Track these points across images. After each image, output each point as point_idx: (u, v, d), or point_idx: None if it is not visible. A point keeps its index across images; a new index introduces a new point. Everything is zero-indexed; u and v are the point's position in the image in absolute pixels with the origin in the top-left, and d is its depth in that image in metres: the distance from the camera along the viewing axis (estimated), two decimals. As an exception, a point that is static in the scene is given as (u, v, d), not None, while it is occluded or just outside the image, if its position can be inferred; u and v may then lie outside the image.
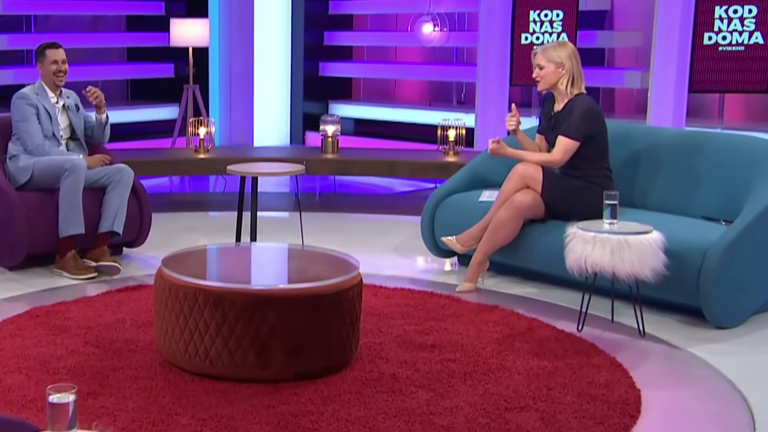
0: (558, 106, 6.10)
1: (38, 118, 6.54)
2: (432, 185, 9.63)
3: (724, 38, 8.97)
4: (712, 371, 4.75)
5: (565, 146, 5.95)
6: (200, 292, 4.39)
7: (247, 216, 6.77)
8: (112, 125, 12.16)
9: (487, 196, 6.42)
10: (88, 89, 6.65)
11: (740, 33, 8.89)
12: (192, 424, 3.88)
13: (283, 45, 13.26)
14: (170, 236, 7.50)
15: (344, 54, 13.75)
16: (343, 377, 4.48)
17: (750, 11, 8.79)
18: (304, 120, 13.29)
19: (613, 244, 5.08)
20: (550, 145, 6.13)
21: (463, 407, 4.15)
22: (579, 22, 10.05)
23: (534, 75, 6.11)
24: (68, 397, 2.50)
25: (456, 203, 6.59)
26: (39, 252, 6.35)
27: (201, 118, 9.26)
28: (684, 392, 4.49)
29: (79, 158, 6.41)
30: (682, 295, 5.43)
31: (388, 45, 13.57)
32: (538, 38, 10.10)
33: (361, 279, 4.72)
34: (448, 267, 6.76)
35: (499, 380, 4.49)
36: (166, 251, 6.82)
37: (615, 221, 5.22)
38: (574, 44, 9.79)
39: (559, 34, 10.04)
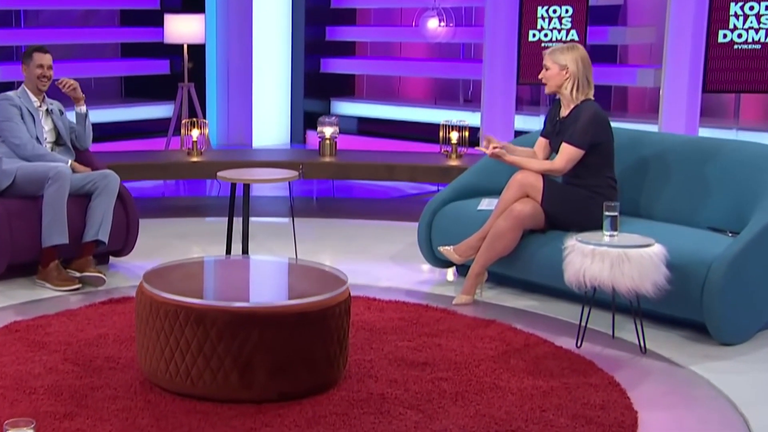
0: (564, 111, 6.12)
1: (22, 120, 6.58)
2: (435, 188, 9.66)
3: (739, 36, 8.98)
4: (713, 391, 4.77)
5: (568, 154, 5.97)
6: (181, 309, 4.42)
7: (240, 223, 6.81)
8: (106, 124, 12.35)
9: (486, 204, 6.44)
10: (59, 81, 6.69)
11: (756, 30, 8.90)
12: (169, 448, 3.92)
13: (283, 41, 13.29)
14: (160, 243, 7.54)
15: (347, 50, 13.78)
16: (329, 397, 4.51)
17: (767, 8, 8.79)
18: (305, 119, 13.33)
19: (613, 257, 5.10)
20: (554, 150, 6.15)
21: (452, 430, 4.17)
22: (590, 18, 10.06)
23: (540, 75, 6.14)
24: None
25: (454, 211, 6.61)
26: (21, 262, 6.39)
27: (194, 119, 9.28)
28: (682, 414, 4.52)
29: (64, 165, 6.44)
30: (685, 310, 5.45)
31: (393, 41, 13.60)
32: (546, 35, 10.12)
33: (350, 295, 4.74)
34: (450, 277, 6.79)
35: (492, 401, 4.52)
36: (155, 260, 6.92)
37: (615, 233, 5.24)
38: (584, 41, 9.87)
39: (568, 31, 10.06)
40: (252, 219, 7.75)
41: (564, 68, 5.99)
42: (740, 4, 8.92)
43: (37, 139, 6.64)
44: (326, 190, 10.11)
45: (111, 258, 6.93)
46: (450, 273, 6.84)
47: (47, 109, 6.79)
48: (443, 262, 6.64)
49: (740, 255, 5.32)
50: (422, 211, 6.74)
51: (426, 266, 6.89)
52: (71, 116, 6.93)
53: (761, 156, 5.97)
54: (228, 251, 6.87)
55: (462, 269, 6.56)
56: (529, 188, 6.01)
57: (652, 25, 11.18)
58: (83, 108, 6.83)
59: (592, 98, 6.05)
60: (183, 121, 9.17)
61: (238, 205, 6.87)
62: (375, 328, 5.55)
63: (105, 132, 12.14)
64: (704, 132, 9.76)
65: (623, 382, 4.79)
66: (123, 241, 6.78)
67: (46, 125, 6.75)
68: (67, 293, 6.20)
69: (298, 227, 7.40)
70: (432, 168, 8.68)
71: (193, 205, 9.44)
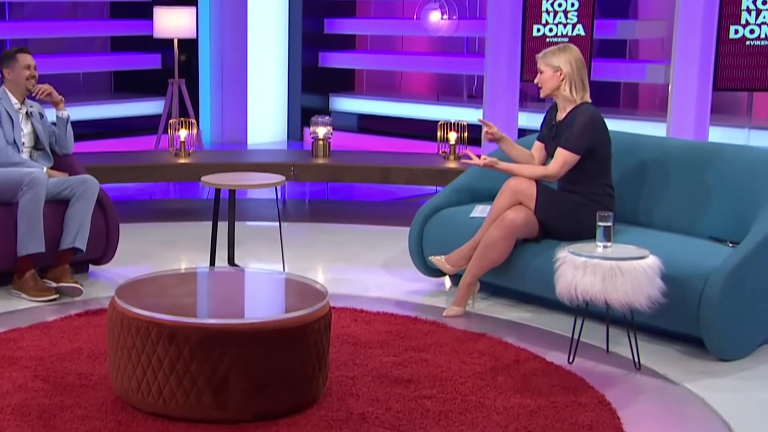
0: (560, 115, 6.16)
1: (-1, 124, 6.63)
2: (434, 189, 9.68)
3: (751, 32, 9.00)
4: (707, 411, 4.79)
5: (563, 159, 6.00)
6: (153, 325, 4.46)
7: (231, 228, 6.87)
8: (95, 121, 12.38)
9: (480, 211, 6.47)
10: (34, 88, 6.73)
11: (769, 26, 8.92)
12: (137, 472, 3.96)
13: (280, 33, 13.34)
14: (144, 250, 7.59)
15: (346, 43, 13.82)
16: (307, 417, 4.54)
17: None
18: (303, 115, 13.37)
19: (605, 270, 5.12)
20: (550, 155, 6.18)
21: (432, 453, 4.21)
22: (598, 11, 10.08)
23: (535, 80, 6.19)
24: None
25: (446, 219, 6.65)
26: (-5, 271, 6.44)
27: (182, 119, 9.32)
28: (673, 435, 4.55)
29: (39, 171, 6.48)
30: (682, 324, 5.48)
31: (394, 34, 13.63)
32: (551, 30, 10.15)
33: (330, 309, 4.77)
34: (448, 284, 6.82)
35: (476, 421, 4.55)
36: (137, 268, 7.00)
37: (609, 244, 5.26)
38: (591, 36, 9.89)
39: (574, 26, 10.08)
40: (241, 223, 7.84)
41: (557, 70, 6.03)
42: (753, -3, 8.94)
43: (14, 142, 6.66)
44: (320, 192, 10.15)
45: (91, 266, 6.96)
46: (447, 281, 6.86)
47: (27, 112, 6.82)
48: (435, 272, 6.67)
49: (739, 267, 5.34)
50: (413, 218, 6.76)
51: (419, 274, 6.91)
52: (50, 114, 6.93)
53: (763, 162, 5.98)
54: (212, 261, 6.90)
55: (456, 278, 6.59)
56: (521, 195, 6.04)
57: (664, 18, 11.19)
58: (65, 113, 6.87)
59: (589, 101, 6.07)
60: (170, 121, 9.19)
61: (226, 209, 6.92)
62: (360, 342, 5.58)
63: (94, 129, 12.21)
64: (715, 131, 9.78)
65: (614, 400, 4.82)
66: (103, 248, 6.81)
67: (25, 128, 6.79)
68: (44, 304, 6.24)
69: (289, 231, 7.45)
70: (429, 170, 8.70)
71: (182, 209, 9.47)
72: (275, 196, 9.28)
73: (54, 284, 6.37)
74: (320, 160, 8.97)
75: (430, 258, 6.41)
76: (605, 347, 5.54)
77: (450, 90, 13.24)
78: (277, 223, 8.19)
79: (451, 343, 5.59)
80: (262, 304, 5.03)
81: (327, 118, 9.20)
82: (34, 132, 6.83)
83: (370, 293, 6.62)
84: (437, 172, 8.63)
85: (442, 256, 6.31)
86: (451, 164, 8.76)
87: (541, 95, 6.15)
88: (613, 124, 10.95)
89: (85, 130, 12.16)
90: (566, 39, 9.94)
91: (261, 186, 6.89)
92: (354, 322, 5.94)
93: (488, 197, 6.65)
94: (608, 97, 11.66)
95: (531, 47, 10.11)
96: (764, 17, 8.96)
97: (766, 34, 8.96)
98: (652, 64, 11.04)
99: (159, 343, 4.44)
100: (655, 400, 4.92)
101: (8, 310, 6.14)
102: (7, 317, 5.98)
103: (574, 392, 4.92)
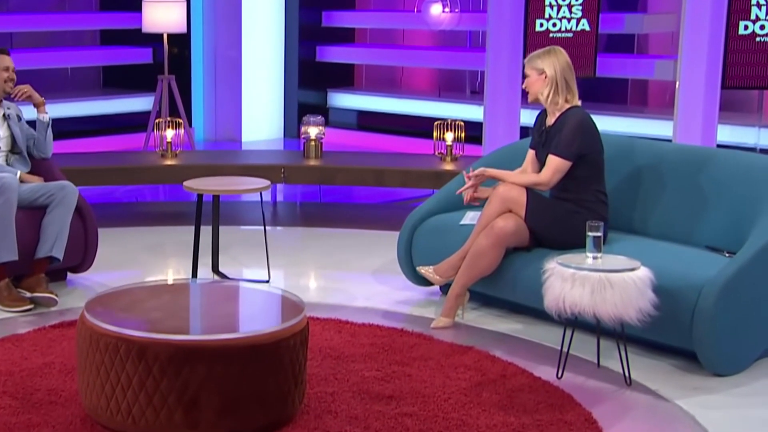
0: (550, 120, 6.20)
1: (-27, 127, 6.68)
2: (431, 191, 9.70)
3: (762, 27, 9.01)
4: (698, 430, 4.82)
5: (554, 166, 6.04)
6: (122, 342, 4.50)
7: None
8: (83, 118, 12.43)
9: (470, 218, 6.50)
10: (13, 90, 6.76)
11: (781, 22, 8.93)
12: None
13: (276, 26, 13.38)
14: (126, 257, 7.64)
15: (345, 37, 13.85)
16: (282, 436, 4.59)
17: (793, -3, 8.82)
18: (300, 111, 13.41)
19: (594, 282, 5.15)
20: (541, 162, 6.21)
21: (407, 474, 4.25)
22: (605, 5, 10.11)
23: (523, 86, 6.23)
24: None
25: (436, 226, 6.68)
26: (-33, 280, 6.48)
27: (169, 118, 9.36)
28: (660, 456, 4.58)
29: (11, 176, 6.52)
30: (675, 337, 5.51)
31: (395, 27, 13.65)
32: (554, 24, 10.15)
33: (307, 324, 4.81)
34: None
35: (456, 440, 4.59)
36: (117, 275, 7.07)
37: (599, 255, 5.28)
38: (596, 31, 9.90)
39: (578, 20, 10.09)
40: (228, 227, 7.88)
41: (542, 73, 6.07)
42: (763, -8, 8.94)
43: (-10, 146, 6.72)
44: (312, 194, 10.18)
45: (69, 273, 7.01)
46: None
47: (4, 114, 6.86)
48: (425, 281, 6.68)
49: (734, 278, 5.36)
50: (402, 226, 6.80)
51: (409, 283, 6.93)
52: (29, 111, 6.96)
53: (762, 168, 6.00)
54: (194, 269, 6.94)
55: (446, 288, 6.62)
56: (511, 203, 6.07)
57: (673, 11, 11.20)
58: (46, 116, 6.90)
59: (578, 104, 6.10)
60: (156, 121, 9.23)
61: (211, 214, 6.98)
62: (343, 355, 5.62)
63: (82, 127, 12.27)
64: (723, 130, 9.79)
65: (601, 418, 4.85)
66: (81, 256, 6.86)
67: (2, 131, 6.82)
68: (17, 315, 6.28)
69: (279, 236, 7.49)
70: (424, 173, 8.73)
71: (169, 212, 9.50)
72: (272, 195, 9.36)
73: (28, 294, 6.42)
74: (312, 162, 9.01)
75: (417, 269, 6.44)
76: (596, 361, 5.56)
77: (452, 86, 13.27)
78: (267, 228, 8.23)
79: (436, 357, 5.63)
80: (236, 318, 5.06)
81: (319, 117, 9.23)
82: (11, 135, 6.85)
83: (357, 303, 6.66)
84: (433, 175, 8.66)
85: (431, 267, 6.34)
86: (448, 166, 8.79)
87: (528, 100, 6.20)
88: (621, 123, 11.13)
89: (74, 127, 12.24)
90: (570, 34, 9.97)
91: (244, 191, 6.94)
92: (338, 333, 5.98)
93: (480, 204, 6.65)
94: (615, 94, 11.70)
95: (534, 43, 10.11)
96: (775, 12, 8.96)
97: (777, 30, 8.97)
98: (661, 60, 11.06)
99: (128, 360, 4.48)
100: (644, 418, 4.95)
101: (-19, 321, 6.19)
102: (-21, 329, 6.03)
103: (560, 409, 4.95)
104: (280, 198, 9.86)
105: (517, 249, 6.17)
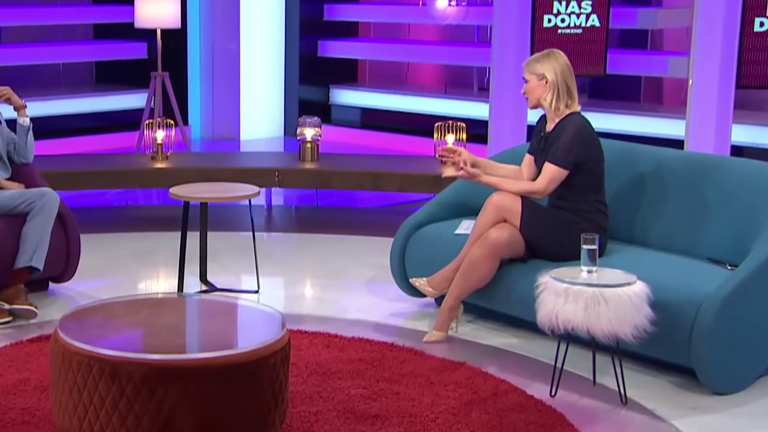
0: (549, 126, 6.23)
1: (-47, 133, 6.72)
2: (432, 195, 9.72)
3: (779, 24, 9.00)
4: (694, 453, 4.86)
5: (551, 174, 6.06)
6: (95, 361, 4.53)
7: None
8: (75, 116, 12.48)
9: (465, 227, 6.53)
10: None
11: (799, 19, 8.91)
12: None
13: (275, 20, 13.41)
14: (112, 264, 7.70)
15: (348, 31, 13.88)
16: (260, 459, 4.62)
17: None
18: (301, 108, 13.46)
19: (588, 297, 5.17)
20: (539, 169, 6.23)
21: (387, 500, 4.28)
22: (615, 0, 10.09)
23: (522, 91, 6.26)
24: None
25: (430, 235, 6.71)
26: (-55, 292, 6.54)
27: (159, 119, 9.40)
28: (652, 480, 4.61)
29: (-13, 184, 6.58)
30: (673, 354, 5.54)
31: (400, 21, 13.67)
32: (563, 20, 10.15)
33: (288, 342, 4.84)
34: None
35: (440, 463, 4.62)
36: (101, 284, 7.12)
37: (594, 268, 5.31)
38: (606, 26, 9.91)
39: (588, 16, 10.09)
40: (219, 233, 7.93)
41: (542, 78, 6.09)
42: (780, -14, 8.93)
43: (-31, 152, 6.77)
44: (309, 197, 10.22)
45: (51, 283, 7.05)
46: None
47: (-18, 119, 6.91)
48: (419, 292, 6.70)
49: (734, 293, 5.38)
50: (395, 235, 6.83)
51: (403, 293, 6.96)
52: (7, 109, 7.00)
53: (766, 177, 6.02)
54: (180, 282, 6.97)
55: (441, 300, 6.64)
56: (506, 212, 6.10)
57: (689, 6, 11.18)
58: (26, 119, 6.94)
59: (578, 110, 6.13)
60: (146, 122, 9.27)
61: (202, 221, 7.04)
62: (330, 371, 5.66)
63: (74, 125, 12.32)
64: (738, 130, 9.79)
65: (593, 440, 4.89)
66: (62, 266, 6.90)
67: (-18, 138, 6.88)
68: (-5, 327, 6.35)
69: (272, 242, 7.53)
70: (423, 177, 8.73)
71: (160, 216, 9.54)
72: (266, 198, 9.39)
73: (7, 306, 6.46)
74: (308, 165, 9.03)
75: (410, 280, 6.48)
76: (592, 377, 5.59)
77: (459, 82, 13.29)
78: (259, 234, 8.27)
79: (426, 374, 5.66)
80: (213, 336, 5.09)
81: (315, 118, 9.25)
82: (-8, 140, 6.91)
83: (348, 315, 6.70)
84: (432, 179, 8.66)
85: (424, 279, 6.38)
86: (448, 170, 8.77)
87: (528, 106, 6.22)
88: (633, 122, 11.15)
89: (66, 125, 12.30)
90: (579, 31, 9.97)
91: (232, 199, 6.98)
92: (326, 348, 6.01)
93: (477, 212, 6.67)
94: (628, 92, 11.71)
95: (541, 39, 10.12)
96: (792, 9, 8.95)
97: (794, 27, 8.96)
98: (675, 57, 11.06)
99: (101, 380, 4.51)
100: (638, 440, 4.98)
101: (-43, 334, 6.24)
102: (-45, 343, 6.08)
103: (551, 430, 4.98)
104: (276, 201, 9.88)
105: (513, 260, 6.19)
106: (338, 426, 4.98)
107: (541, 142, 6.24)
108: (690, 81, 9.74)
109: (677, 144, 9.66)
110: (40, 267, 6.59)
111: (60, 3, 13.19)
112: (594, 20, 10.04)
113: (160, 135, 9.13)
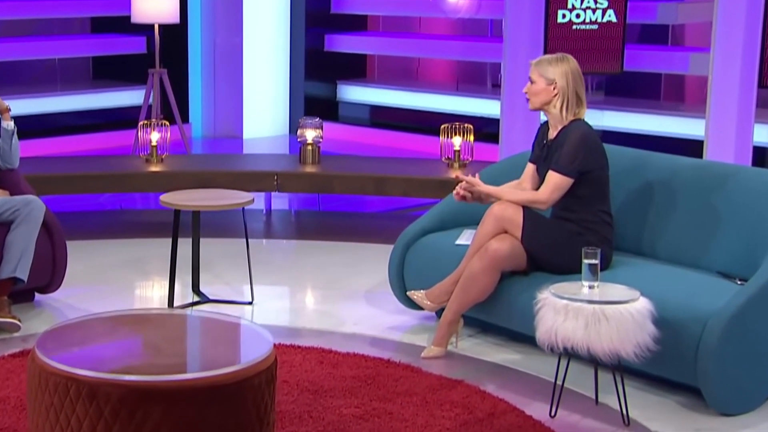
0: (552, 133, 6.25)
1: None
2: (438, 200, 9.75)
3: (804, 20, 8.98)
4: (698, 478, 4.88)
5: (554, 184, 6.08)
6: (72, 381, 4.56)
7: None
8: (72, 113, 12.53)
9: (467, 237, 6.56)
10: None
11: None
12: None
13: (280, 13, 13.43)
14: (102, 273, 7.76)
15: (356, 24, 13.87)
16: (243, 484, 4.66)
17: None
18: (306, 105, 13.48)
19: (588, 315, 5.19)
20: (542, 178, 6.26)
21: None
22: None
23: (524, 90, 6.27)
24: None
25: (430, 246, 6.74)
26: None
27: (153, 120, 9.44)
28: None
29: (-32, 192, 6.63)
30: (678, 373, 5.56)
31: (411, 15, 13.67)
32: (578, 15, 10.16)
33: (275, 361, 4.87)
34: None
35: (431, 488, 4.66)
36: (90, 295, 7.17)
37: (596, 284, 5.33)
38: (623, 21, 9.91)
39: (604, 11, 10.09)
40: (214, 240, 7.98)
41: (551, 83, 6.11)
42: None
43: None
44: (311, 200, 10.25)
45: (37, 294, 7.10)
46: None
47: (-35, 125, 6.96)
48: (418, 305, 6.75)
49: (742, 310, 5.39)
50: (393, 246, 6.86)
51: (402, 306, 6.99)
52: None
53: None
54: (171, 291, 7.02)
55: (441, 313, 6.66)
56: (506, 223, 6.12)
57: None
58: (10, 123, 6.98)
59: (583, 118, 6.14)
60: (140, 123, 9.31)
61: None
62: (322, 389, 5.69)
63: (70, 122, 12.38)
64: (761, 130, 9.77)
65: (592, 464, 4.92)
66: (49, 276, 6.95)
67: (-35, 144, 6.93)
68: (-23, 342, 6.40)
69: (269, 250, 7.56)
70: (428, 181, 8.74)
71: (154, 222, 9.56)
72: (266, 202, 9.42)
73: (-12, 318, 6.52)
74: (308, 168, 9.05)
75: (408, 293, 6.51)
76: (594, 396, 5.61)
77: (472, 79, 13.30)
78: (257, 240, 8.29)
79: (422, 392, 5.69)
80: (196, 355, 5.13)
81: (316, 119, 9.28)
82: (-26, 146, 6.96)
83: (344, 328, 6.74)
84: (437, 183, 8.66)
85: (423, 291, 6.40)
86: (456, 173, 8.81)
87: (530, 108, 6.23)
88: (653, 121, 11.15)
89: (62, 123, 12.35)
90: (595, 26, 9.98)
91: (225, 207, 7.01)
92: (319, 365, 6.05)
93: (478, 221, 6.70)
94: (648, 89, 11.71)
95: (555, 35, 10.13)
96: (819, 3, 8.93)
97: (821, 23, 8.94)
98: (697, 53, 11.05)
99: (78, 402, 4.54)
100: (639, 464, 5.01)
101: (-64, 349, 6.29)
102: (-66, 358, 6.13)
103: (548, 454, 5.01)
104: (277, 205, 9.90)
105: (514, 273, 6.21)
106: (327, 448, 5.02)
107: (543, 150, 6.26)
108: (709, 79, 9.73)
109: (698, 144, 9.67)
110: (25, 278, 6.64)
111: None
112: (611, 15, 10.04)
113: (154, 137, 9.15)
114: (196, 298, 7.18)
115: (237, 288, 7.45)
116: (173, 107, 11.17)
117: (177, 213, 7.00)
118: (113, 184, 9.03)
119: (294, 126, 13.30)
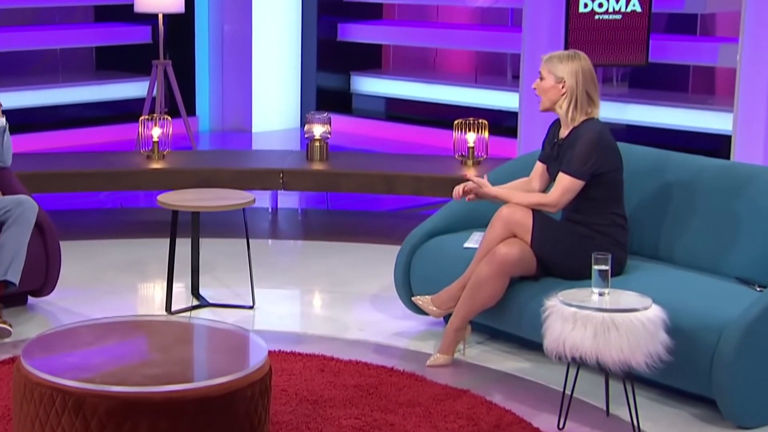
0: (563, 132, 6.26)
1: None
2: (450, 198, 9.76)
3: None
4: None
5: (564, 186, 6.09)
6: (58, 392, 4.61)
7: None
8: (75, 105, 12.59)
9: (476, 241, 6.57)
10: None
11: None
12: None
13: (291, 1, 13.43)
14: (98, 275, 7.80)
15: (371, 13, 13.88)
16: (235, 500, 4.70)
17: None
18: (319, 97, 13.50)
19: (597, 323, 5.21)
20: (552, 179, 6.27)
21: None
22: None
23: (533, 86, 6.28)
24: None
25: (438, 248, 6.75)
26: None
27: (154, 114, 9.48)
28: None
29: (-42, 192, 6.68)
30: (692, 384, 5.57)
31: (427, 3, 13.67)
32: (600, 5, 10.16)
33: (269, 371, 4.91)
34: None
35: (430, 505, 4.69)
36: (84, 298, 7.21)
37: (606, 291, 5.34)
38: (649, 11, 9.91)
39: (628, 0, 10.09)
40: (215, 240, 8.02)
41: (560, 81, 6.12)
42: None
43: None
44: (320, 198, 10.28)
45: (30, 297, 7.15)
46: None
47: (-42, 119, 7.01)
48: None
49: (759, 319, 5.40)
50: (399, 248, 6.88)
51: (409, 311, 7.00)
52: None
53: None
54: (168, 295, 7.05)
55: (448, 319, 6.69)
56: (515, 226, 6.14)
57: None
58: (2, 120, 7.02)
59: (597, 117, 6.15)
60: (140, 119, 9.34)
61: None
62: (322, 399, 5.72)
63: (73, 115, 12.42)
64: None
65: (600, 480, 4.94)
66: (42, 279, 6.99)
67: (-43, 142, 6.97)
68: (-34, 347, 6.45)
69: (274, 250, 7.57)
70: (439, 179, 8.73)
71: (154, 221, 9.54)
72: (265, 204, 9.45)
73: (-21, 324, 6.57)
74: (315, 165, 9.07)
75: (414, 299, 6.54)
76: (605, 407, 5.63)
77: (491, 70, 13.30)
78: (262, 240, 8.30)
79: (426, 403, 5.72)
80: (186, 365, 5.16)
81: (325, 114, 9.30)
82: (-34, 144, 7.00)
83: (348, 335, 6.77)
84: (449, 182, 8.54)
85: (429, 297, 6.43)
86: (469, 171, 8.82)
87: (540, 108, 6.24)
88: (680, 115, 11.14)
89: (64, 116, 12.40)
90: (619, 16, 9.99)
91: (224, 208, 7.04)
92: (320, 373, 6.08)
93: (487, 223, 6.71)
94: (675, 81, 11.70)
95: (577, 26, 10.13)
96: None
97: None
98: (726, 44, 11.03)
99: (64, 414, 4.59)
100: (649, 480, 5.03)
101: (-77, 355, 6.34)
102: None
103: (554, 468, 5.04)
104: (284, 203, 9.92)
105: (524, 278, 6.23)
106: (324, 461, 5.06)
107: (554, 149, 6.27)
108: (738, 71, 9.72)
109: (728, 140, 9.67)
110: (16, 281, 6.68)
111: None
112: (635, 5, 10.05)
113: (156, 132, 9.17)
114: (195, 302, 7.22)
115: (238, 291, 7.48)
116: (178, 100, 11.21)
117: (175, 214, 7.02)
118: (112, 181, 9.04)
119: (305, 119, 13.38)
